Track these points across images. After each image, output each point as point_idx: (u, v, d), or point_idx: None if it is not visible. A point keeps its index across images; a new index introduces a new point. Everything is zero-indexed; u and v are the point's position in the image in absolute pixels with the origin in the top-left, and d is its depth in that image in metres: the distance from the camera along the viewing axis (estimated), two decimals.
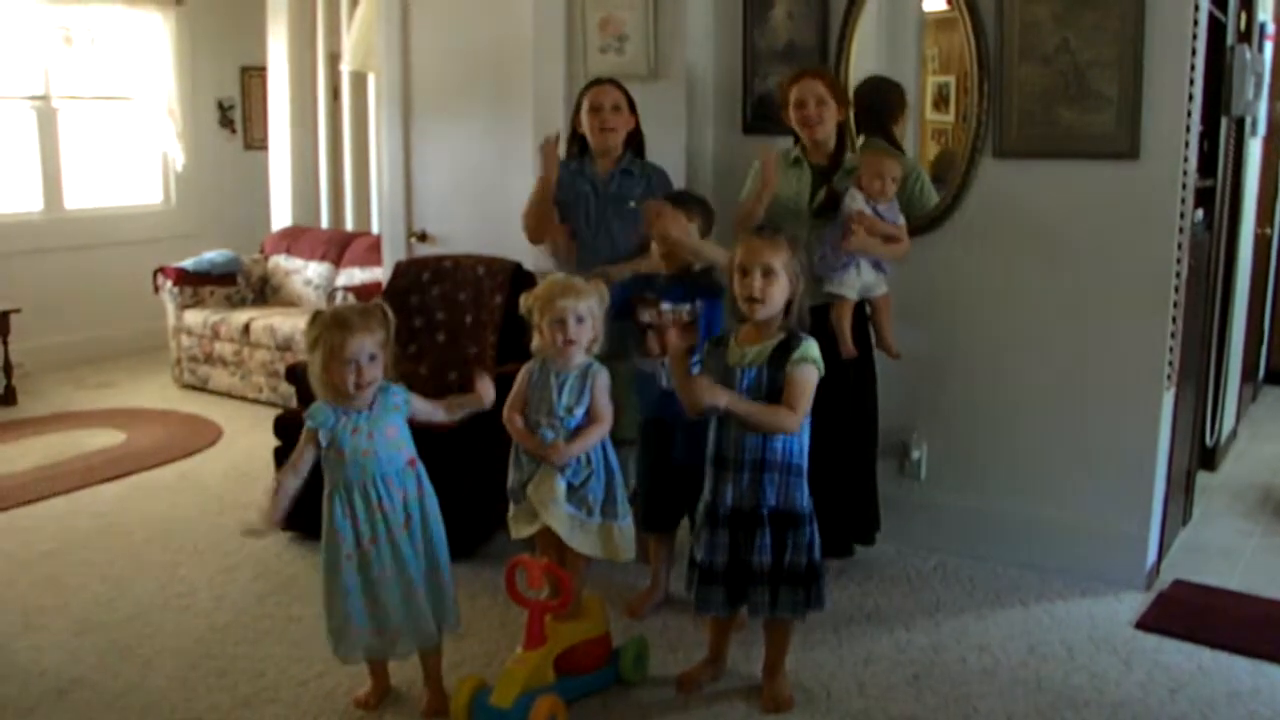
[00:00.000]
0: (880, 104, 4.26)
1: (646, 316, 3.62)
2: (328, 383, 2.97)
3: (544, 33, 4.80)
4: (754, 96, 4.52)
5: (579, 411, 3.20)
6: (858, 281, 3.79)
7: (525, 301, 3.26)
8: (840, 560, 4.02)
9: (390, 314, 3.06)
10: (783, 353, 2.99)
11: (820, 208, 3.88)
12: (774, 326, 3.02)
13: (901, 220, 3.86)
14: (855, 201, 3.75)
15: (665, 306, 3.58)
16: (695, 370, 3.11)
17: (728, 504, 3.06)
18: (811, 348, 3.01)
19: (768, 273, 2.97)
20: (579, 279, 3.26)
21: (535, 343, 3.26)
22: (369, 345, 2.95)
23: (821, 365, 3.02)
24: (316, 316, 3.01)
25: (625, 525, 3.32)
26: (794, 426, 3.00)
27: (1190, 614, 3.80)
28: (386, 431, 3.02)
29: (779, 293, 2.98)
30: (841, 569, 4.06)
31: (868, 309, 3.92)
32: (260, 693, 3.28)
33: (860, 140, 4.19)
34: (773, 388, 2.98)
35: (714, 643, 3.36)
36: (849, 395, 3.80)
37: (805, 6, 4.35)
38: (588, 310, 3.18)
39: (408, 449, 3.09)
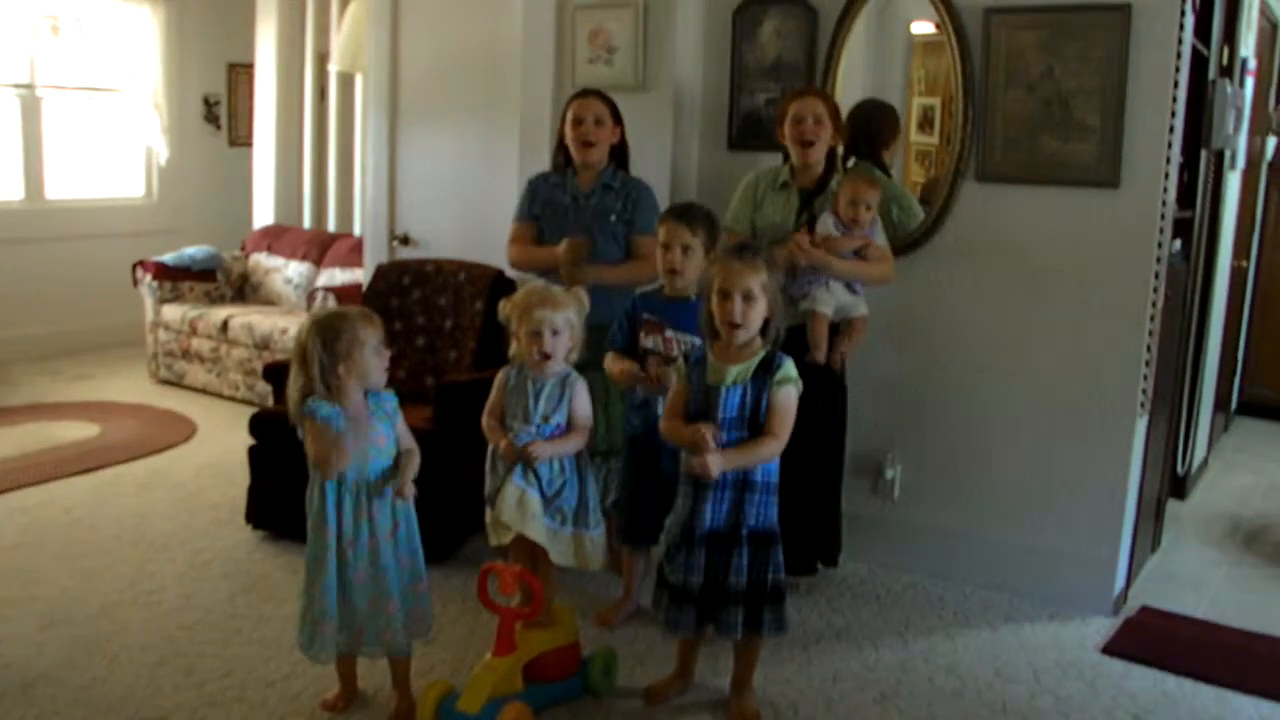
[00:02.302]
0: (873, 128, 4.27)
1: (650, 342, 3.62)
2: (335, 383, 2.94)
3: (533, 42, 4.81)
4: (741, 112, 4.53)
5: (555, 419, 3.20)
6: (830, 299, 3.80)
7: (504, 309, 3.26)
8: (806, 578, 4.03)
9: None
10: (764, 371, 2.99)
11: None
12: (753, 345, 3.02)
13: (882, 239, 3.87)
14: (825, 225, 3.76)
15: (669, 334, 3.57)
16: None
17: (706, 525, 3.04)
18: (791, 367, 3.02)
19: (748, 297, 2.96)
20: (558, 289, 3.25)
21: (512, 349, 3.25)
22: (374, 340, 2.99)
23: (800, 383, 3.04)
24: (326, 319, 2.98)
25: (596, 535, 3.32)
26: (779, 452, 3.02)
27: (1157, 641, 3.83)
28: (379, 439, 3.03)
29: (758, 316, 2.98)
30: (811, 586, 4.07)
31: (842, 328, 3.93)
32: (226, 691, 3.26)
33: (850, 163, 4.20)
34: (756, 406, 2.99)
35: (682, 657, 3.36)
36: (818, 417, 3.79)
37: (794, 24, 4.38)
38: (565, 322, 3.17)
39: (393, 458, 3.09)
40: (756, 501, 3.04)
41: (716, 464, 2.94)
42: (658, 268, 3.64)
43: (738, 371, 3.00)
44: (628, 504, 3.80)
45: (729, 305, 2.97)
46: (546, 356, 3.15)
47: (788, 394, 3.00)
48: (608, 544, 4.16)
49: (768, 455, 3.01)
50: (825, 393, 3.86)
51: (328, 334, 2.94)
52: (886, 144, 4.31)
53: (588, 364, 3.35)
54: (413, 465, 3.09)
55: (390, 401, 3.08)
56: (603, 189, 4.04)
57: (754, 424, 2.99)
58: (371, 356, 2.97)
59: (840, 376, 3.97)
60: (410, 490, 3.04)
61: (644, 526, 3.76)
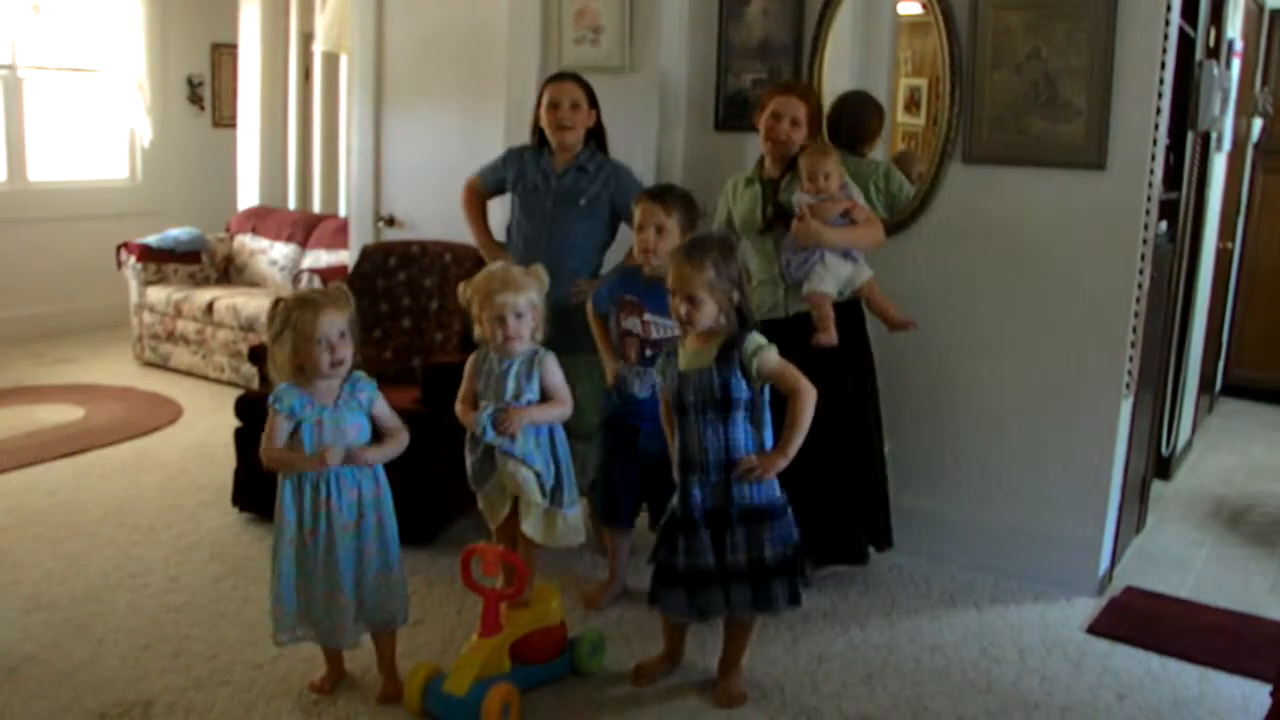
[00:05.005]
0: (857, 122, 4.24)
1: (629, 324, 3.61)
2: (297, 368, 2.95)
3: (519, 21, 4.79)
4: (727, 93, 4.52)
5: (526, 396, 3.17)
6: (828, 275, 3.76)
7: (464, 292, 3.21)
8: (852, 566, 4.02)
9: (350, 295, 3.05)
10: (727, 352, 3.01)
11: (769, 222, 3.87)
12: (719, 332, 3.04)
13: (859, 197, 3.83)
14: (802, 200, 3.74)
15: (648, 318, 3.57)
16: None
17: (701, 506, 3.06)
18: (756, 337, 3.03)
19: (690, 299, 2.99)
20: (517, 270, 3.22)
21: (477, 333, 3.23)
22: (339, 322, 2.95)
23: (771, 344, 3.04)
24: (278, 303, 2.99)
25: (571, 514, 3.31)
26: (813, 397, 3.02)
27: (1141, 620, 3.85)
28: (348, 430, 3.00)
29: (706, 314, 3.00)
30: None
31: (863, 305, 3.89)
32: (214, 675, 3.26)
33: None
34: (725, 388, 3.00)
35: (670, 637, 3.37)
36: (848, 400, 3.78)
37: (781, 4, 4.36)
38: (527, 304, 3.14)
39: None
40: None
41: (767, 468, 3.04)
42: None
43: (703, 356, 3.04)
44: (605, 485, 3.80)
45: (676, 305, 3.04)
46: (510, 339, 3.13)
47: (770, 358, 3.01)
48: (593, 525, 4.18)
49: (808, 414, 3.02)
50: (854, 375, 3.84)
51: (280, 321, 2.95)
52: (869, 139, 4.28)
53: (554, 347, 3.32)
54: (391, 446, 3.07)
55: (366, 390, 3.05)
56: (576, 171, 4.04)
57: (725, 405, 3.01)
58: (321, 351, 2.92)
59: (867, 357, 3.93)
60: (370, 456, 3.02)
61: (621, 507, 3.77)
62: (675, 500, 3.14)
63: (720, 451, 3.03)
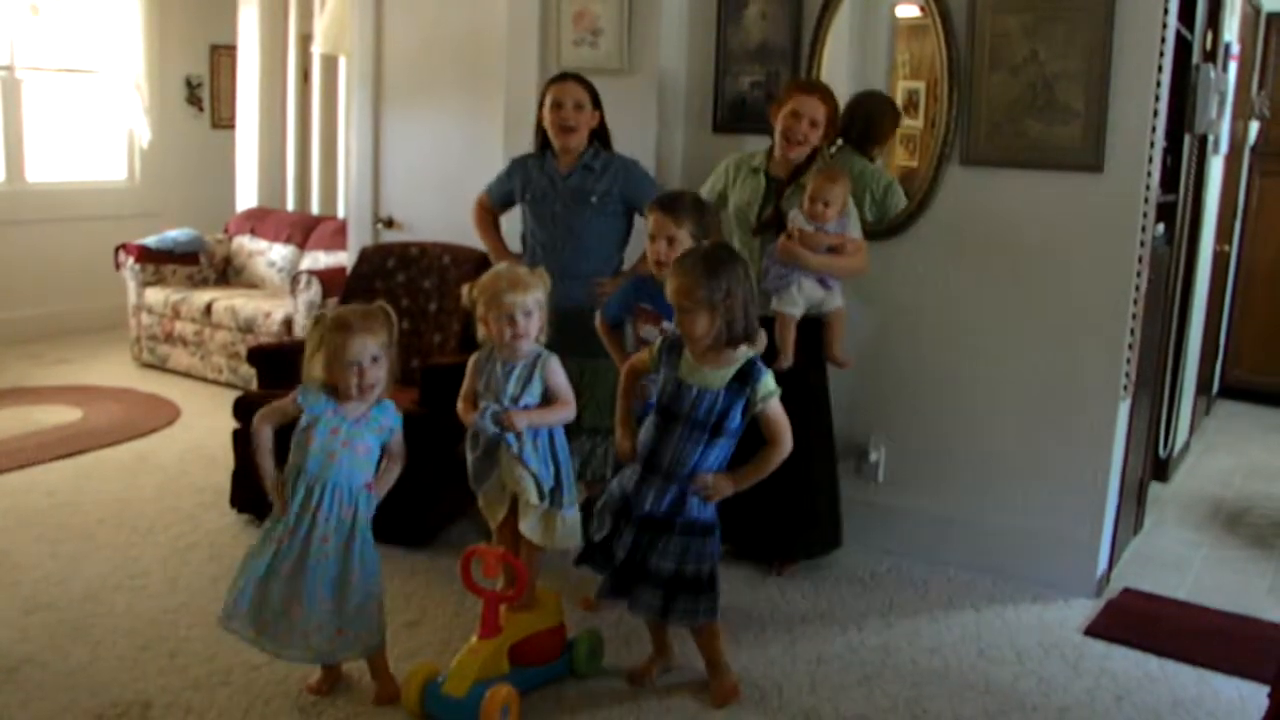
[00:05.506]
0: (871, 123, 4.26)
1: (643, 332, 3.61)
2: (330, 387, 2.98)
3: (518, 23, 4.79)
4: (726, 95, 4.53)
5: (525, 400, 3.17)
6: (800, 298, 3.79)
7: (468, 294, 3.22)
8: (794, 564, 4.09)
9: (392, 315, 3.07)
10: (739, 382, 3.00)
11: (764, 224, 3.89)
12: (727, 348, 3.01)
13: (855, 233, 3.86)
14: (797, 220, 3.77)
15: (666, 325, 3.56)
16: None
17: (645, 508, 3.07)
18: (769, 380, 3.03)
19: (683, 310, 2.98)
20: (523, 270, 3.22)
21: (481, 334, 3.24)
22: (371, 346, 2.96)
23: (779, 390, 3.05)
24: (319, 320, 3.03)
25: (570, 516, 3.31)
26: (785, 455, 3.07)
27: (1138, 622, 3.85)
28: (359, 447, 3.02)
29: (702, 325, 2.96)
30: (795, 569, 4.09)
31: (824, 322, 3.91)
32: (212, 675, 3.26)
33: (836, 146, 4.16)
34: (724, 415, 3.00)
35: (654, 637, 3.37)
36: (794, 409, 3.79)
37: (779, 7, 4.37)
38: (535, 303, 3.14)
39: (369, 473, 3.07)
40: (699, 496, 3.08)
41: (720, 487, 3.08)
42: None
43: (715, 378, 3.01)
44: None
45: (676, 314, 3.03)
46: (519, 338, 3.13)
47: (774, 406, 3.03)
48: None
49: (776, 464, 3.08)
50: (803, 386, 3.84)
51: (315, 340, 2.99)
52: (880, 141, 4.31)
53: (573, 352, 3.33)
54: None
55: (388, 418, 3.07)
56: (582, 170, 4.04)
57: (716, 429, 3.01)
58: (350, 375, 2.95)
59: (820, 371, 3.96)
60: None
61: None
62: (630, 489, 3.11)
63: (690, 468, 3.04)
